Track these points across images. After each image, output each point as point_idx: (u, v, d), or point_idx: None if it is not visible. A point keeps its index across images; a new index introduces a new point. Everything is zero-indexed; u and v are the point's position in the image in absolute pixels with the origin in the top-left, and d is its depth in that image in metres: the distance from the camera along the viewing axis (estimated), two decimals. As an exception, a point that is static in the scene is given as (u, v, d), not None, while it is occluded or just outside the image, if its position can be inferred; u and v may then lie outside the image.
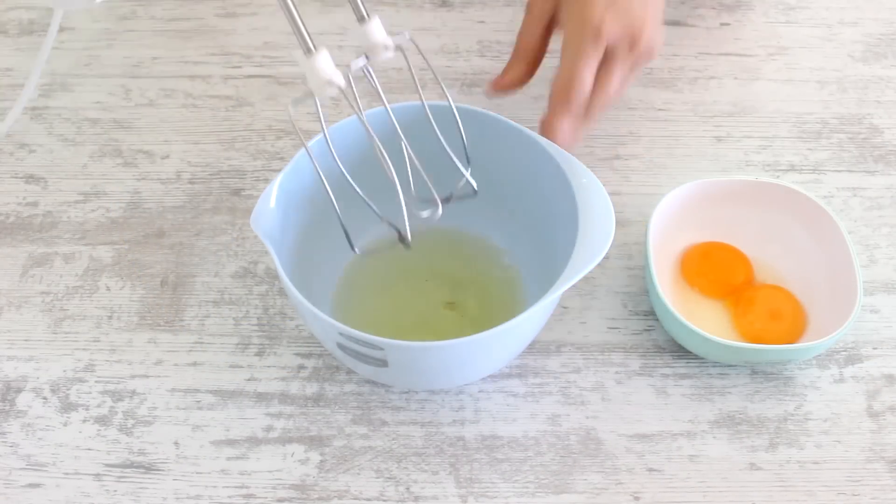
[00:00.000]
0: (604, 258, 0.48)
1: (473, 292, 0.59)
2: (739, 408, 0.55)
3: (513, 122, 0.55)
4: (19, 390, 0.56)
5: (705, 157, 0.67)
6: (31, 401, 0.56)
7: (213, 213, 0.64)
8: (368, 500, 0.52)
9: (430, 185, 0.52)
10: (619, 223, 0.62)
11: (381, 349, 0.47)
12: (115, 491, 0.52)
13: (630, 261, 0.62)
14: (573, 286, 0.48)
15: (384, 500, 0.52)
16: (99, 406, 0.55)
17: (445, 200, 0.53)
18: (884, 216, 0.64)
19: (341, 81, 0.45)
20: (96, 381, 0.56)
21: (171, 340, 0.58)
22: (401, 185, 0.48)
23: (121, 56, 0.74)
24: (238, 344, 0.58)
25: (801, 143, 0.68)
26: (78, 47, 0.75)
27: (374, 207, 0.50)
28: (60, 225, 0.64)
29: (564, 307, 0.59)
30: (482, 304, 0.58)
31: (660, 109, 0.71)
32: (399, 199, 0.47)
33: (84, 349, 0.58)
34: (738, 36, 0.76)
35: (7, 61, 0.75)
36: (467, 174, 0.53)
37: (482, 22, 0.77)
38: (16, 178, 0.67)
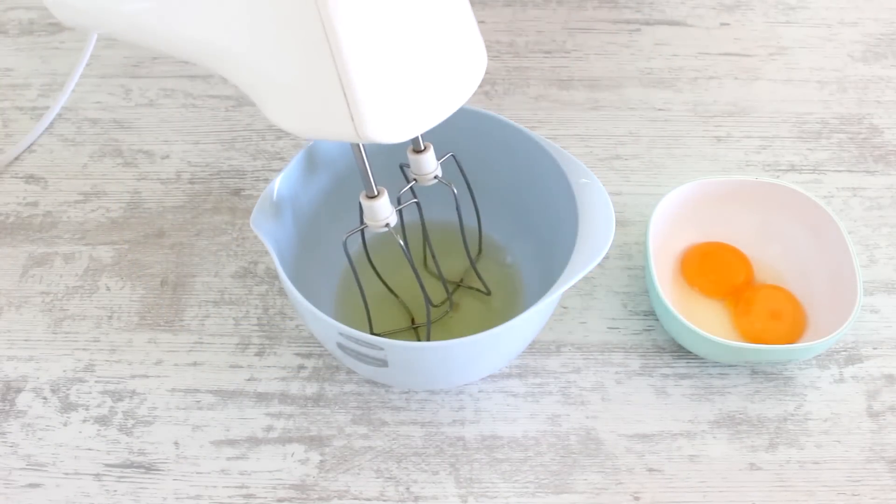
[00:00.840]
0: (604, 258, 0.48)
1: (473, 292, 0.59)
2: (739, 408, 0.55)
3: (513, 122, 0.55)
4: (19, 390, 0.56)
5: (705, 157, 0.67)
6: (31, 401, 0.56)
7: (213, 213, 0.64)
8: (368, 500, 0.52)
9: (445, 286, 0.57)
10: (619, 223, 0.62)
11: (381, 349, 0.47)
12: (115, 491, 0.52)
13: (630, 261, 0.62)
14: (573, 286, 0.48)
15: (384, 500, 0.52)
16: (99, 406, 0.55)
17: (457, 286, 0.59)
18: (884, 216, 0.64)
19: (394, 221, 0.49)
20: (96, 381, 0.56)
21: (171, 340, 0.58)
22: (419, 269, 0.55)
23: (121, 56, 0.74)
24: (238, 344, 0.58)
25: (801, 143, 0.68)
26: (78, 47, 0.75)
27: (396, 293, 0.58)
28: (60, 225, 0.64)
29: (564, 307, 0.59)
30: (482, 305, 0.58)
31: (660, 109, 0.71)
32: (424, 298, 0.53)
33: (84, 349, 0.58)
34: (738, 36, 0.76)
35: (7, 61, 0.75)
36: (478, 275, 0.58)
37: (482, 22, 0.77)
38: (16, 178, 0.67)
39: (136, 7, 0.46)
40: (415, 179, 0.52)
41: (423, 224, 0.55)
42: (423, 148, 0.51)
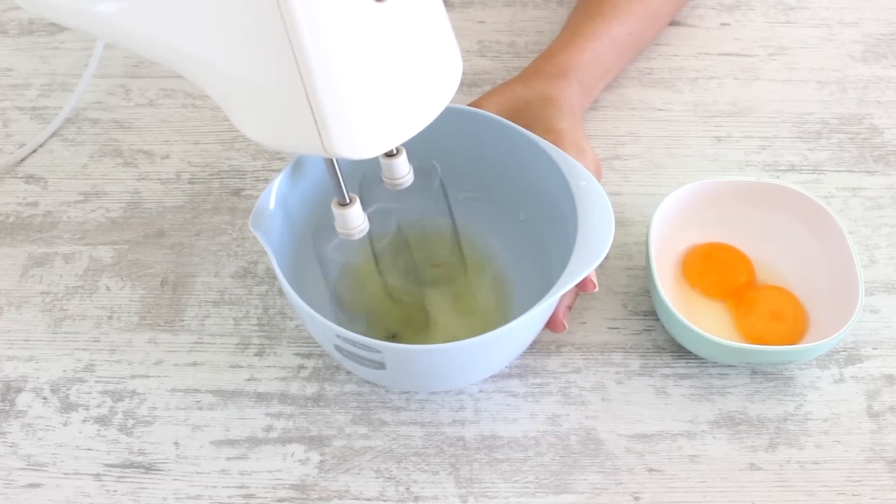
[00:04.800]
0: (604, 258, 0.48)
1: (473, 294, 0.59)
2: (739, 408, 0.55)
3: (512, 123, 0.55)
4: (19, 390, 0.56)
5: (705, 157, 0.67)
6: (31, 401, 0.56)
7: (213, 213, 0.64)
8: (368, 500, 0.52)
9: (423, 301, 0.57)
10: (620, 223, 0.62)
11: (379, 352, 0.47)
12: (115, 491, 0.52)
13: (630, 261, 0.62)
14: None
15: (384, 500, 0.52)
16: (99, 406, 0.55)
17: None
18: (884, 216, 0.64)
19: (366, 229, 0.48)
20: (96, 381, 0.56)
21: (171, 340, 0.58)
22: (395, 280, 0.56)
23: (121, 56, 0.74)
24: (238, 344, 0.58)
25: (801, 143, 0.68)
26: (78, 47, 0.75)
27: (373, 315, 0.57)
28: (60, 225, 0.64)
29: (564, 307, 0.59)
30: (481, 306, 0.58)
31: (660, 109, 0.71)
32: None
33: (84, 349, 0.58)
34: (738, 36, 0.76)
35: (7, 61, 0.75)
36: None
37: (482, 22, 0.77)
38: (16, 178, 0.67)
39: (105, 9, 0.45)
40: (383, 179, 0.51)
41: (400, 230, 0.55)
42: (394, 152, 0.50)
